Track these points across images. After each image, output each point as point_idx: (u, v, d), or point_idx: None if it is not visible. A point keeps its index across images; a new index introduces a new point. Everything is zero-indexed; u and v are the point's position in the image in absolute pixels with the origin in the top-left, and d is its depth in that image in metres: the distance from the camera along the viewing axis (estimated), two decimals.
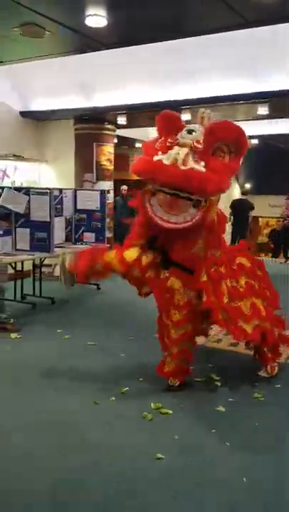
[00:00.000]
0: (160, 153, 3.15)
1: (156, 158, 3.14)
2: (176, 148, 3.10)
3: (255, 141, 11.61)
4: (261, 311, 3.59)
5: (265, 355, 3.88)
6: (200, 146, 3.13)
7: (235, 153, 3.24)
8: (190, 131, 3.19)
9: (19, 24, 3.69)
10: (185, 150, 3.08)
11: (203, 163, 3.12)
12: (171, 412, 3.25)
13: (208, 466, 2.64)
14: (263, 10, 3.29)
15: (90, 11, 3.32)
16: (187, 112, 7.22)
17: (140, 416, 3.18)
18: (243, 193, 12.30)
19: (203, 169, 3.08)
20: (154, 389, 3.62)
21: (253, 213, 11.83)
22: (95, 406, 3.33)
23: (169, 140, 3.17)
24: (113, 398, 3.44)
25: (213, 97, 6.16)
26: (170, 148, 3.12)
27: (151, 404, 3.33)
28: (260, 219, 15.62)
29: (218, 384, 3.73)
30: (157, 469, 2.60)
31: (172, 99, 6.49)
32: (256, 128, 9.88)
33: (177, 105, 6.54)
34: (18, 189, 6.11)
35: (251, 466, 2.65)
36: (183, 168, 3.04)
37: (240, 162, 3.31)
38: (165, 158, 3.09)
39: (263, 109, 6.90)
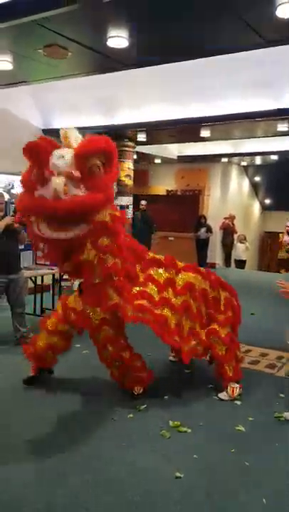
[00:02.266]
0: (39, 187, 3.13)
1: (37, 193, 3.13)
2: (53, 179, 3.09)
3: (274, 157, 11.61)
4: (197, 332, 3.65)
5: (225, 373, 3.77)
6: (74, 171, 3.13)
7: (107, 163, 3.25)
8: (60, 157, 3.14)
9: (43, 45, 3.80)
10: (62, 179, 3.08)
11: (82, 187, 3.14)
12: (189, 430, 3.20)
13: (228, 486, 2.59)
14: (283, 29, 3.32)
15: (112, 32, 3.41)
16: (207, 128, 7.28)
17: (158, 434, 3.15)
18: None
19: (83, 192, 3.11)
20: (172, 406, 3.59)
21: (273, 229, 11.76)
22: (112, 422, 3.31)
23: (46, 172, 3.12)
24: (131, 415, 3.42)
25: (233, 114, 6.20)
26: (49, 179, 3.10)
27: (170, 422, 3.30)
28: (280, 235, 15.48)
29: (238, 403, 3.67)
30: (177, 488, 2.56)
31: (192, 116, 6.56)
32: (276, 144, 9.88)
33: (197, 122, 6.61)
34: None
35: (271, 487, 2.58)
36: (65, 197, 3.05)
37: (116, 167, 3.30)
38: (46, 193, 3.08)
39: (282, 126, 6.93)
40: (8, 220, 4.58)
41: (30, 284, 6.19)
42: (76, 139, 3.27)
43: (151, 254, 3.82)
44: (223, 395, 3.75)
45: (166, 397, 3.75)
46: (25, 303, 5.10)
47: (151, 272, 3.64)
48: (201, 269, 3.97)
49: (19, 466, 2.74)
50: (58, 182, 3.05)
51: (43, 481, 2.60)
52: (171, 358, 4.48)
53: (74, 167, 3.09)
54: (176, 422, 3.28)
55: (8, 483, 2.57)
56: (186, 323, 3.59)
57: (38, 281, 6.29)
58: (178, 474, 2.67)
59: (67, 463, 2.79)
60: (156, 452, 2.94)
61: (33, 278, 6.08)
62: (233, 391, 3.73)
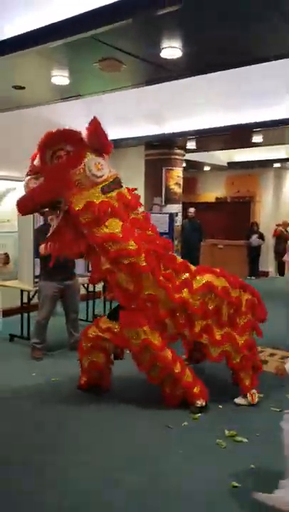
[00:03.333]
0: None
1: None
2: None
3: None
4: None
5: (242, 381, 3.70)
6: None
7: (73, 150, 3.27)
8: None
9: (98, 59, 3.92)
10: (28, 177, 3.35)
11: (41, 178, 3.28)
12: (246, 440, 3.15)
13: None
14: None
15: (165, 43, 3.47)
16: (259, 134, 7.19)
17: (214, 443, 3.12)
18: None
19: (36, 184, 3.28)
20: (227, 416, 3.54)
21: None
22: (167, 430, 3.31)
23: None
24: (186, 423, 3.40)
25: (287, 118, 6.07)
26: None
27: (226, 431, 3.25)
28: None
29: None
30: (234, 498, 2.52)
31: (244, 122, 6.50)
32: None
33: (248, 128, 6.54)
34: None
35: None
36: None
37: (78, 157, 3.25)
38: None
39: None
40: None
41: (83, 291, 6.34)
42: None
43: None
44: (239, 400, 3.73)
45: (220, 406, 3.71)
46: (79, 309, 5.23)
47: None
48: (217, 270, 3.84)
49: (75, 467, 2.80)
50: (25, 178, 3.34)
51: (100, 482, 2.64)
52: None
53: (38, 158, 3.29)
54: (232, 432, 3.23)
55: (69, 483, 2.63)
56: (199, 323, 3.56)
57: (90, 288, 6.43)
58: (235, 484, 2.63)
59: (123, 466, 2.83)
60: (213, 461, 2.91)
61: (85, 285, 6.23)
62: (252, 397, 3.70)
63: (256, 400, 3.71)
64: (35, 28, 3.55)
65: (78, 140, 3.28)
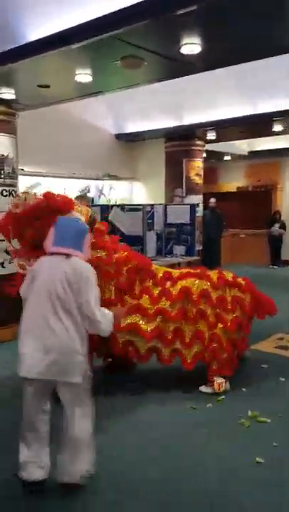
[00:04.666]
0: None
1: None
2: None
3: None
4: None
5: (211, 367, 3.77)
6: None
7: None
8: None
9: (119, 57, 4.05)
10: None
11: None
12: (269, 420, 3.29)
13: None
14: None
15: (185, 40, 3.57)
16: (279, 123, 7.20)
17: (237, 423, 3.28)
18: None
19: None
20: (250, 398, 3.69)
21: None
22: (192, 410, 3.49)
23: None
24: (210, 405, 3.57)
25: None
26: None
27: (249, 412, 3.40)
28: None
29: None
30: (258, 472, 2.68)
31: (263, 111, 6.53)
32: None
33: (268, 117, 6.57)
34: (117, 207, 6.62)
35: None
36: None
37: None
38: None
39: None
40: None
41: None
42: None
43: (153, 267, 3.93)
44: (204, 388, 3.81)
45: (244, 389, 3.85)
46: None
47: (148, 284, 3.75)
48: (198, 270, 3.97)
49: (112, 445, 3.01)
50: None
51: (134, 464, 2.84)
52: None
53: None
54: (254, 412, 3.38)
55: (106, 460, 2.84)
56: (186, 328, 3.69)
57: None
58: (259, 460, 2.78)
59: (153, 444, 3.01)
60: (237, 439, 3.07)
61: None
62: (219, 386, 3.75)
63: (222, 389, 3.75)
64: (59, 30, 3.71)
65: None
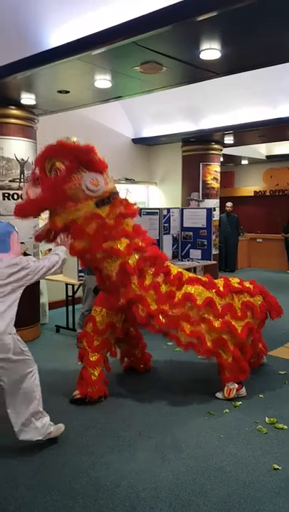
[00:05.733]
0: None
1: None
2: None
3: None
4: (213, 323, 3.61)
5: (223, 374, 3.71)
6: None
7: (67, 165, 3.37)
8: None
9: (139, 63, 4.09)
10: (27, 184, 3.50)
11: (39, 187, 3.36)
12: (286, 427, 3.26)
13: None
14: None
15: (205, 46, 3.58)
16: None
17: (255, 429, 3.25)
18: None
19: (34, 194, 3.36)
20: (268, 404, 3.66)
21: None
22: (209, 416, 3.47)
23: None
24: (227, 410, 3.55)
25: None
26: None
27: (266, 418, 3.38)
28: None
29: None
30: (276, 479, 2.66)
31: (283, 116, 6.50)
32: None
33: (288, 122, 6.53)
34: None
35: None
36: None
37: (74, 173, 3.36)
38: None
39: None
40: None
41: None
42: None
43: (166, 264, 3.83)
44: (218, 394, 3.79)
45: (261, 395, 3.83)
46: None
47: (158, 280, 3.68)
48: (204, 278, 3.88)
49: (129, 448, 3.02)
50: (24, 185, 3.52)
51: (151, 467, 2.84)
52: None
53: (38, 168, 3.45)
54: (272, 419, 3.36)
55: (123, 462, 2.85)
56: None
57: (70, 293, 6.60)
58: (276, 466, 2.76)
59: (170, 448, 3.02)
60: (254, 445, 3.05)
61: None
62: (229, 392, 3.72)
63: (232, 395, 3.72)
64: (79, 37, 3.77)
65: (73, 156, 3.44)
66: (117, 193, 3.66)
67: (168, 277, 3.71)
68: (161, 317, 3.55)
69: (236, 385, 3.75)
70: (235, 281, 3.93)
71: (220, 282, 3.87)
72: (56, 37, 3.96)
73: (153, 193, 9.61)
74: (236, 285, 3.86)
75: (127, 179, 8.83)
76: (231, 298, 3.77)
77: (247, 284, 3.94)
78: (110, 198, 3.50)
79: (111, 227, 3.47)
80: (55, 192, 3.36)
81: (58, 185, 3.36)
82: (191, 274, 3.92)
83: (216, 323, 3.62)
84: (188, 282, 3.77)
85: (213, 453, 2.96)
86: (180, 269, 3.88)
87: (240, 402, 3.68)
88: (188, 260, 7.17)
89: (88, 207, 3.41)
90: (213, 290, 3.76)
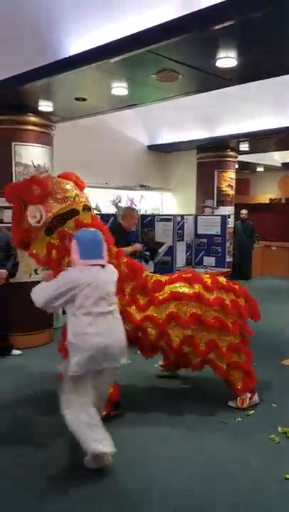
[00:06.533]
0: None
1: None
2: None
3: None
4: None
5: (234, 387, 3.66)
6: None
7: (15, 206, 3.42)
8: None
9: (156, 71, 4.13)
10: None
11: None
12: None
13: None
14: None
15: (222, 54, 3.61)
16: None
17: (267, 438, 3.22)
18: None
19: None
20: (280, 414, 3.63)
21: None
22: (222, 424, 3.45)
23: None
24: (240, 419, 3.53)
25: None
26: None
27: (279, 428, 3.34)
28: None
29: None
30: (288, 488, 2.63)
31: None
32: None
33: None
34: (146, 216, 6.69)
35: None
36: None
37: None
38: None
39: None
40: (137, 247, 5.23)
41: None
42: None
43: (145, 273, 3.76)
44: (231, 403, 3.74)
45: (274, 405, 3.79)
46: None
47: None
48: (189, 275, 3.79)
49: (144, 456, 3.02)
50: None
51: (164, 470, 2.84)
52: (158, 365, 4.45)
53: None
54: (285, 428, 3.32)
55: (137, 468, 2.86)
56: (173, 332, 3.55)
57: None
58: (288, 476, 2.73)
59: (183, 456, 3.01)
60: (266, 454, 3.02)
61: None
62: (242, 402, 3.68)
63: (245, 405, 3.68)
64: (97, 45, 3.83)
65: (16, 196, 3.44)
66: (62, 215, 3.39)
67: (145, 289, 3.64)
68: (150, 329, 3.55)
69: (249, 394, 3.72)
70: (222, 279, 3.86)
71: (207, 278, 3.80)
72: (74, 45, 4.02)
73: (167, 200, 9.64)
74: (224, 283, 3.79)
75: (141, 186, 8.88)
76: (220, 293, 3.68)
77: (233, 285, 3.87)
78: (54, 223, 3.34)
79: (60, 249, 3.34)
80: (14, 231, 3.49)
81: (13, 226, 3.48)
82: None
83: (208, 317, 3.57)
84: (169, 282, 3.71)
85: (226, 461, 2.94)
86: (158, 276, 3.81)
87: (253, 411, 3.65)
88: (201, 267, 7.15)
89: (43, 237, 3.38)
90: (200, 285, 3.67)
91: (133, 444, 3.16)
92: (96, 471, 2.80)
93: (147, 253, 5.70)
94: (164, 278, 3.80)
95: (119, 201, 8.58)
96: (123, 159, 8.34)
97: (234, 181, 8.84)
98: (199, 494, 2.61)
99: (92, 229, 3.14)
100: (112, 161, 8.01)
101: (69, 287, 2.79)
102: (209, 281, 3.73)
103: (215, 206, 8.74)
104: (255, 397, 3.76)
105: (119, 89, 4.64)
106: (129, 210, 5.71)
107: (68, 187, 3.43)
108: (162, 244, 5.93)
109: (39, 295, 2.90)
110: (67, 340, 2.81)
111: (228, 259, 8.02)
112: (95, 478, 2.74)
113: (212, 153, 8.49)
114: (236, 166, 9.06)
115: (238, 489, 2.65)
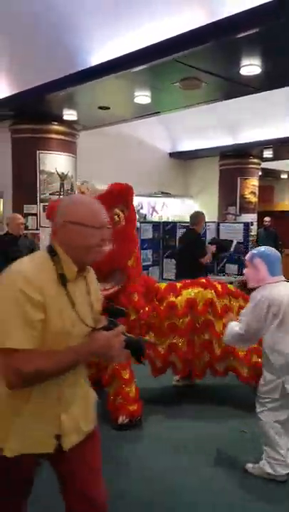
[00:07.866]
0: None
1: None
2: None
3: None
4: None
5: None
6: None
7: (127, 210, 3.19)
8: None
9: (179, 79, 4.14)
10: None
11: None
12: None
13: None
14: None
15: (245, 62, 3.59)
16: None
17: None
18: None
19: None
20: None
21: None
22: (242, 434, 3.39)
23: None
24: None
25: None
26: None
27: None
28: None
29: None
30: None
31: None
32: None
33: None
34: (168, 223, 6.68)
35: None
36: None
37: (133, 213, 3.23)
38: None
39: None
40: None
41: None
42: (92, 191, 3.37)
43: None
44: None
45: None
46: None
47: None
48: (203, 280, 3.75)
49: (159, 458, 2.99)
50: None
51: (185, 483, 2.81)
52: (174, 382, 4.25)
53: None
54: None
55: (154, 471, 2.83)
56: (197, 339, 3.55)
57: None
58: None
59: (205, 466, 2.96)
60: None
61: None
62: None
63: None
64: (120, 54, 3.87)
65: (130, 197, 3.28)
66: None
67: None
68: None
69: None
70: (231, 286, 3.87)
71: (217, 285, 3.79)
72: (98, 55, 4.08)
73: (189, 207, 9.62)
74: (233, 289, 3.81)
75: (163, 193, 8.89)
76: (229, 300, 3.68)
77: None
78: None
79: None
80: (131, 242, 3.30)
81: (132, 233, 3.30)
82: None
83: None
84: (183, 288, 3.68)
85: (247, 471, 2.89)
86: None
87: None
88: (223, 275, 7.08)
89: None
90: (212, 290, 3.66)
91: (152, 451, 3.13)
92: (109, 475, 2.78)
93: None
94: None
95: (141, 208, 8.61)
96: (144, 166, 8.38)
97: (257, 188, 8.76)
98: (222, 497, 2.55)
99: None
100: (134, 169, 8.04)
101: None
102: (218, 287, 3.72)
103: (238, 213, 8.67)
104: None
105: (142, 97, 4.67)
106: (200, 214, 5.56)
107: None
108: (231, 241, 6.22)
109: None
110: None
111: None
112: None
113: (234, 160, 8.44)
114: (260, 173, 8.98)
115: (260, 497, 2.58)
